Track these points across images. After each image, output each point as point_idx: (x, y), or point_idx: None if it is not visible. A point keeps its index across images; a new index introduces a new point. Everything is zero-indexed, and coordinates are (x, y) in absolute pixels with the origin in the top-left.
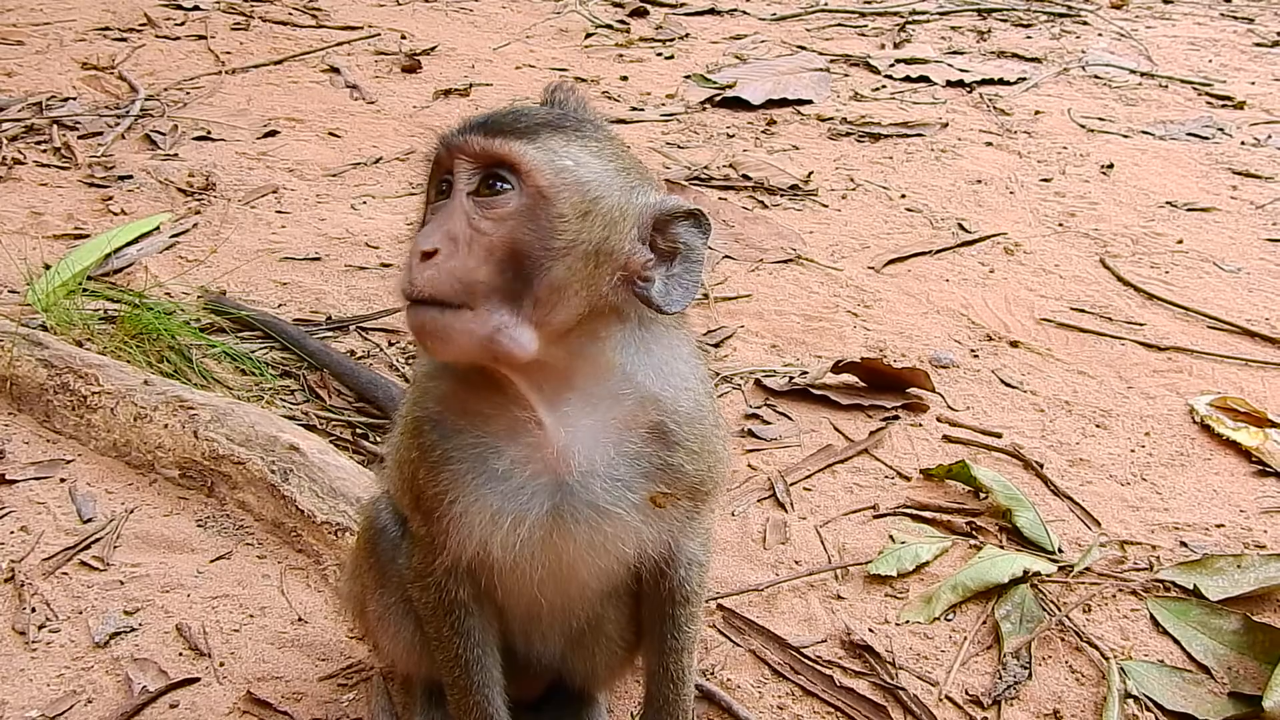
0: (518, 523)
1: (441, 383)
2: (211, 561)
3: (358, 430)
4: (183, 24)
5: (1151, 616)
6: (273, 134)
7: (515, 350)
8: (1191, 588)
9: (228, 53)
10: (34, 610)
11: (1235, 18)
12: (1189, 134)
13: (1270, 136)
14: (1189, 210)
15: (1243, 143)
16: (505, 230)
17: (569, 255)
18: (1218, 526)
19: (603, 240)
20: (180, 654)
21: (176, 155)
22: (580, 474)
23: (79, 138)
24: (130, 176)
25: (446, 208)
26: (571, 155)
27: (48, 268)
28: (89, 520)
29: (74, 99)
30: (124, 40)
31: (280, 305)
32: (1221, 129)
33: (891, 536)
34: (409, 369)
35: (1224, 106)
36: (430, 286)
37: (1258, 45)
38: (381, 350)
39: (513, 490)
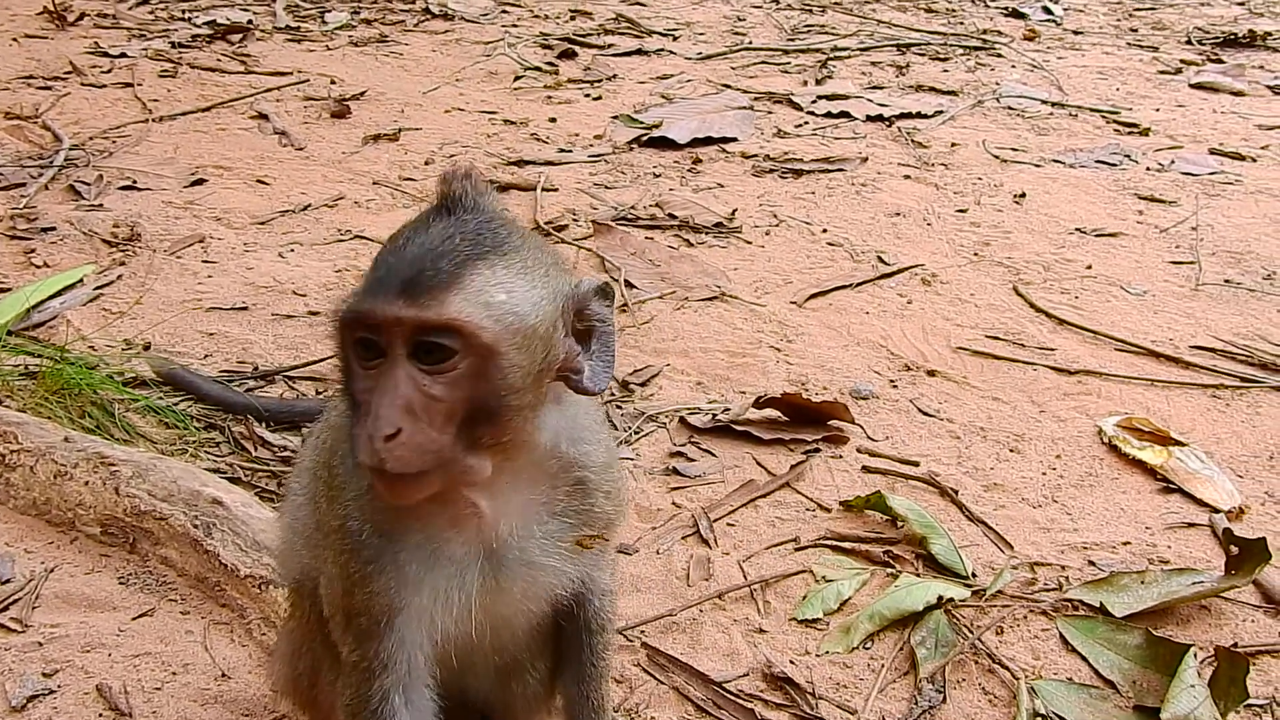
0: (462, 607)
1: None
2: (133, 619)
3: (283, 481)
4: (109, 72)
5: (1061, 635)
6: (200, 182)
7: (478, 480)
8: (1099, 605)
9: (155, 100)
10: None
11: (1141, 46)
12: (1098, 161)
13: (1173, 162)
14: (1097, 236)
15: (1148, 168)
16: (461, 392)
17: (520, 389)
18: (1124, 544)
19: (544, 358)
20: (100, 715)
21: (101, 206)
22: (515, 541)
23: (0, 189)
24: (54, 228)
25: (390, 376)
26: (503, 287)
27: None
28: (7, 581)
29: None
30: (48, 89)
31: (206, 356)
32: (1128, 155)
33: (812, 571)
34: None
35: (1130, 133)
36: (401, 465)
37: (1162, 73)
38: (309, 400)
39: (455, 578)
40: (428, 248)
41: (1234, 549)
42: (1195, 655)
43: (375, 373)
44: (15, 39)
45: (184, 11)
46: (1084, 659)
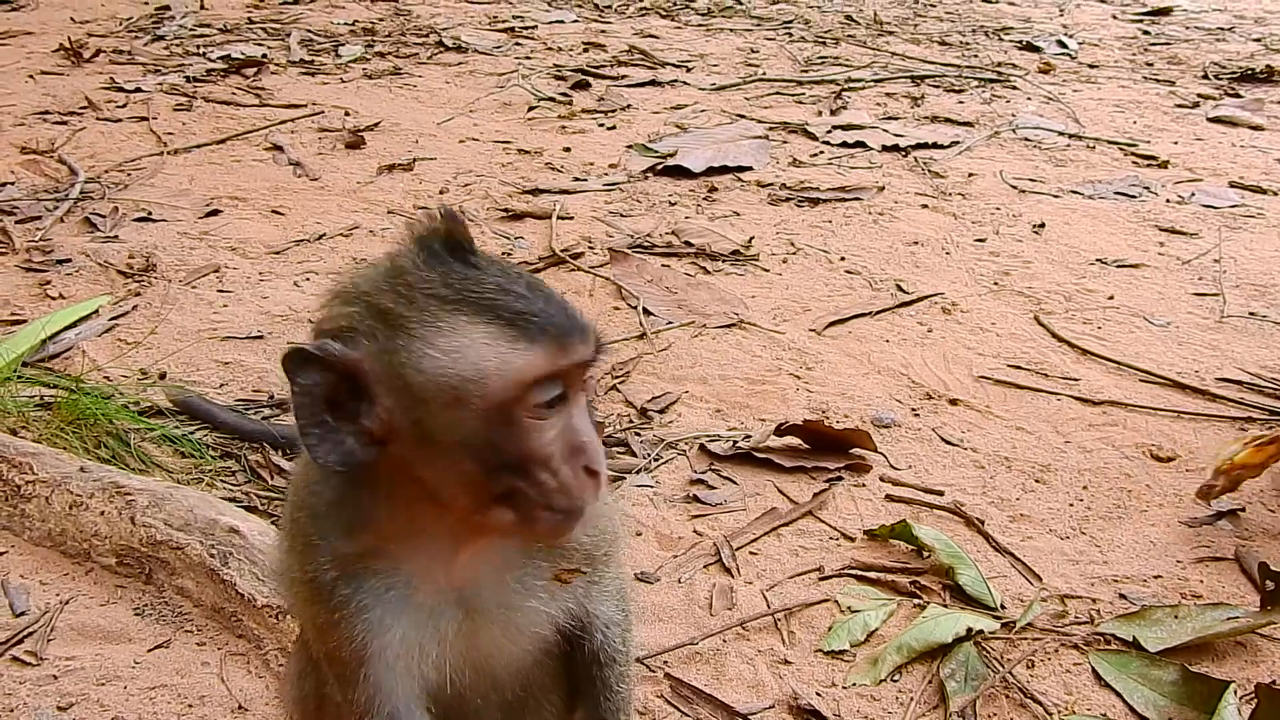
0: (439, 654)
1: (351, 541)
2: (149, 651)
3: None
4: (124, 106)
5: (1093, 670)
6: (215, 213)
7: None
8: (1131, 640)
9: (170, 133)
10: None
11: (1157, 80)
12: (1117, 193)
13: (1193, 194)
14: (1119, 267)
15: (1168, 200)
16: None
17: None
18: (1155, 578)
19: None
20: None
21: (117, 237)
22: (486, 584)
23: (16, 222)
24: (69, 260)
25: (582, 417)
26: None
27: None
28: (21, 614)
29: (12, 184)
30: (64, 123)
31: (222, 385)
32: (1148, 187)
33: (837, 601)
34: None
35: (1149, 166)
36: (596, 501)
37: (1179, 107)
38: None
39: (427, 625)
40: (543, 289)
41: (1270, 585)
42: (1235, 693)
43: (552, 419)
44: (32, 75)
45: (198, 47)
46: (1118, 695)
